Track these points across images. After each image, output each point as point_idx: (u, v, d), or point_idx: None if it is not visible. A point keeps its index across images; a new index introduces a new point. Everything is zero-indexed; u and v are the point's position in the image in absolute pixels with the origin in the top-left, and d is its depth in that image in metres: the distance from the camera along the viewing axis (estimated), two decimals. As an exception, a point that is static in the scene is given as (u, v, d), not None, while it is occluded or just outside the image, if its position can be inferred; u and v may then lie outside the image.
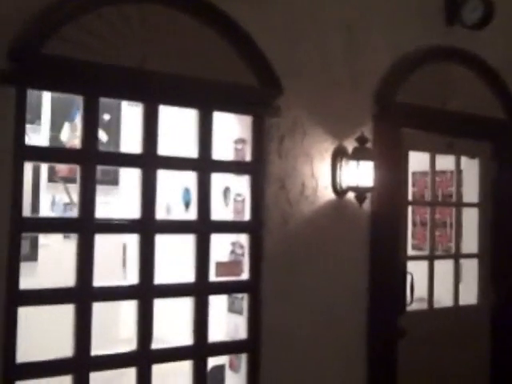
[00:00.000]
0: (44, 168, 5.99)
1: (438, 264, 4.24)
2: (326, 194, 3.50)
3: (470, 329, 4.18)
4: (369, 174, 3.44)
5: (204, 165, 3.08)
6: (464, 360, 4.11)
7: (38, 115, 5.77)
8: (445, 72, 4.01)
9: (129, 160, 3.02)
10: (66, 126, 5.89)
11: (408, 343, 3.79)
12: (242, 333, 3.24)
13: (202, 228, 3.07)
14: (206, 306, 3.07)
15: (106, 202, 6.18)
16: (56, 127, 5.88)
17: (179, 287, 3.04)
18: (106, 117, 6.36)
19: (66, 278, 2.76)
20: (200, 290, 3.06)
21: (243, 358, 3.24)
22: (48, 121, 5.89)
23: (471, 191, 4.43)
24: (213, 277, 3.15)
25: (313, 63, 3.49)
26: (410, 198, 3.91)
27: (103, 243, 2.77)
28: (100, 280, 2.81)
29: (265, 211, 3.26)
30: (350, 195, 3.55)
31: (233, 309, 3.38)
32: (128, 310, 2.99)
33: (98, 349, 2.81)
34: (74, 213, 2.93)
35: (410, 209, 5.21)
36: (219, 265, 3.22)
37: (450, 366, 4.03)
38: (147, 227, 2.90)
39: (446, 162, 4.66)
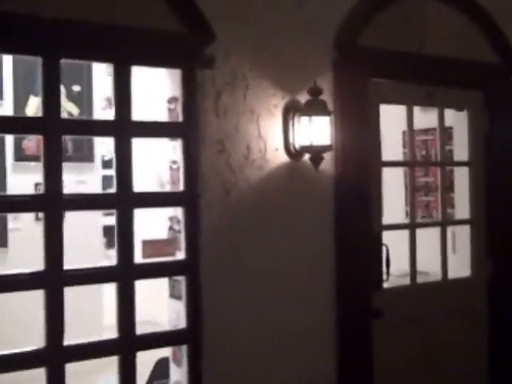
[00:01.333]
0: (9, 147, 5.69)
1: (429, 233, 3.86)
2: (278, 157, 3.11)
3: (463, 305, 3.78)
4: (324, 130, 3.03)
5: (121, 128, 2.71)
6: (457, 342, 3.72)
7: (-1, 90, 5.47)
8: (421, 9, 3.57)
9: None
10: (32, 100, 5.56)
11: (386, 325, 3.41)
12: (182, 321, 2.89)
13: (122, 202, 2.71)
14: (132, 293, 2.72)
15: (81, 180, 5.89)
16: (20, 102, 5.56)
17: (96, 272, 2.69)
18: (76, 88, 6.01)
19: (39, 263, 2.56)
20: (122, 275, 2.70)
21: (184, 350, 2.89)
22: (11, 95, 5.58)
23: (464, 149, 4.00)
24: (140, 258, 2.80)
25: (257, 5, 3.08)
26: (384, 158, 3.50)
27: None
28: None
29: (201, 180, 2.89)
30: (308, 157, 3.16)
31: (174, 294, 3.02)
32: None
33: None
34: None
35: (402, 171, 4.86)
36: (146, 244, 2.86)
37: (439, 350, 3.64)
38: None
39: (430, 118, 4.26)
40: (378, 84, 3.42)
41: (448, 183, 4.10)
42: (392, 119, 4.73)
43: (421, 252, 3.73)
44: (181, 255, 2.87)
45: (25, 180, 5.37)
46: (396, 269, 4.47)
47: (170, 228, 3.05)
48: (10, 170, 5.67)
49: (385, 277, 3.43)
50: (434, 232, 3.88)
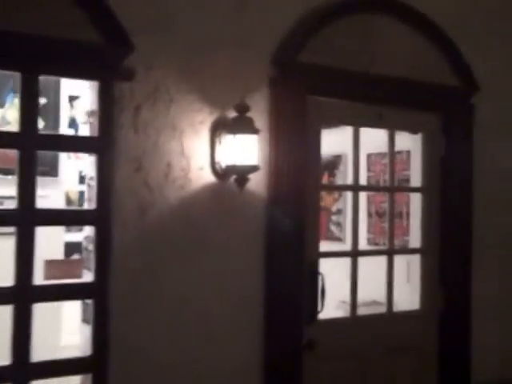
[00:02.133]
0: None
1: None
2: (203, 177, 2.98)
3: (411, 340, 3.62)
4: (250, 150, 2.90)
5: (26, 141, 2.59)
6: (402, 380, 3.56)
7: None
8: (372, 26, 3.44)
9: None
10: (-3, 111, 5.47)
11: (320, 358, 3.26)
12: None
13: (23, 219, 2.59)
14: (29, 317, 2.59)
15: (44, 195, 5.78)
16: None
17: (-10, 293, 2.57)
18: (42, 100, 5.92)
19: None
20: (20, 296, 2.58)
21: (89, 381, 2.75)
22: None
23: (419, 173, 3.86)
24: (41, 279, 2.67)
25: (185, 16, 2.96)
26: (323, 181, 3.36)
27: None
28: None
29: (115, 198, 2.76)
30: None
31: (85, 318, 2.89)
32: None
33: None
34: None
35: (364, 197, 4.72)
36: (49, 264, 2.74)
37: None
38: None
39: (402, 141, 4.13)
40: (319, 103, 3.29)
41: (405, 210, 3.96)
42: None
43: (379, 281, 3.60)
44: (89, 277, 2.75)
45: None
46: (359, 298, 4.34)
47: (85, 248, 2.92)
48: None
49: (319, 307, 3.28)
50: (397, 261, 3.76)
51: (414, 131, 3.74)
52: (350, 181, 4.87)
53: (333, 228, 4.97)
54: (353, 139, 3.46)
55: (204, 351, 2.97)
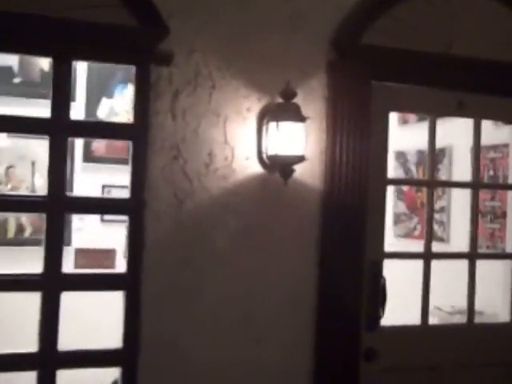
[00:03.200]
0: (79, 146, 5.78)
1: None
2: (248, 167, 2.82)
3: (494, 354, 3.25)
4: (295, 139, 2.71)
5: (57, 126, 2.58)
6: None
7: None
8: (449, 2, 3.11)
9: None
10: (105, 103, 5.63)
11: (382, 369, 3.00)
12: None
13: (53, 207, 2.57)
14: (56, 305, 2.58)
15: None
16: (91, 104, 5.63)
17: (19, 280, 2.58)
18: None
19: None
20: (47, 284, 2.57)
21: (118, 373, 2.70)
22: (83, 97, 5.66)
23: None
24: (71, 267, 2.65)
25: (231, -1, 2.83)
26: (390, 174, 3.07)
27: None
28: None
29: (150, 187, 2.69)
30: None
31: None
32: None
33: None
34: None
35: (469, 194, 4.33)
36: (80, 253, 2.71)
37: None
38: None
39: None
40: (387, 89, 3.02)
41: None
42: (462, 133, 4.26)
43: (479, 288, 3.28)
44: (121, 268, 2.70)
45: (92, 181, 5.42)
46: (447, 305, 4.00)
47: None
48: (79, 171, 5.76)
49: (381, 313, 3.01)
50: (500, 265, 3.43)
51: (507, 120, 3.35)
52: (455, 176, 4.55)
53: (435, 227, 4.61)
54: (429, 130, 3.15)
55: (244, 355, 2.82)
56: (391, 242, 5.03)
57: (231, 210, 2.80)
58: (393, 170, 5.09)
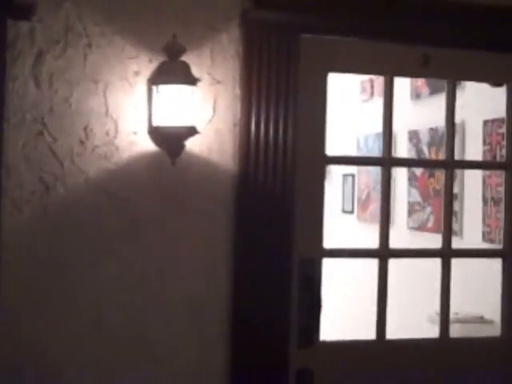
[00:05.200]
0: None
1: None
2: (136, 144, 2.29)
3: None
4: (182, 106, 2.16)
5: None
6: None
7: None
8: None
9: None
10: None
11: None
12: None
13: None
14: None
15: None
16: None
17: None
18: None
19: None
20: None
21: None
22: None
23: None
24: None
25: None
26: (328, 151, 2.45)
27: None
28: None
29: (7, 171, 2.21)
30: (192, 145, 2.31)
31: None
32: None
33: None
34: None
35: (479, 178, 3.64)
36: None
37: None
38: None
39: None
40: (322, 44, 2.42)
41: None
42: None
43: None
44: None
45: None
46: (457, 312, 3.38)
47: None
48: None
49: (317, 324, 2.42)
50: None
51: (493, 81, 2.67)
52: (468, 157, 3.87)
53: (448, 219, 3.92)
54: (385, 88, 2.51)
55: (137, 380, 2.31)
56: (404, 236, 4.38)
57: (114, 197, 2.28)
58: (407, 152, 4.43)
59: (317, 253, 2.43)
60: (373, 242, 2.54)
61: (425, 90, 4.21)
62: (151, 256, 2.31)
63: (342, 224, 5.47)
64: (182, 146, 2.21)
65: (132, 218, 2.30)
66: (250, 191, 2.35)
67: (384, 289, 2.50)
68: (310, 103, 2.41)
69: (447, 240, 2.59)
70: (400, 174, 4.45)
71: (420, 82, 4.27)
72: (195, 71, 2.28)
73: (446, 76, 2.56)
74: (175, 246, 2.32)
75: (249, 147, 2.34)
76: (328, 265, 2.52)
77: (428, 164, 3.88)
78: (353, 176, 5.28)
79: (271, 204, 2.36)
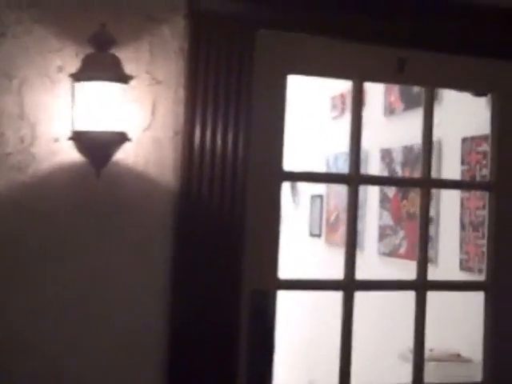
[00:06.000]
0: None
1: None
2: (58, 152, 1.93)
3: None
4: (109, 108, 1.80)
5: None
6: None
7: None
8: None
9: None
10: None
11: None
12: None
13: None
14: None
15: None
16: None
17: None
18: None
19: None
20: None
21: None
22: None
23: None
24: None
25: None
26: (287, 167, 2.11)
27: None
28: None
29: None
30: (125, 155, 1.95)
31: None
32: None
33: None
34: None
35: (457, 200, 3.32)
36: None
37: None
38: None
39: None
40: (283, 41, 2.09)
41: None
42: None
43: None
44: None
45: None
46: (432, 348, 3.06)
47: None
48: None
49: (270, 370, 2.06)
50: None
51: (475, 90, 2.36)
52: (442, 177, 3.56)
53: (422, 244, 3.60)
54: (353, 99, 2.18)
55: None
56: (374, 262, 4.06)
57: (29, 215, 1.92)
58: (379, 173, 4.11)
59: (271, 284, 2.08)
60: (340, 265, 2.22)
61: (399, 106, 3.90)
62: (71, 289, 1.94)
63: (309, 248, 5.13)
64: (109, 156, 1.85)
65: (50, 242, 1.93)
66: (193, 211, 1.99)
67: (348, 326, 2.16)
68: (265, 109, 2.07)
69: (422, 270, 2.26)
70: (371, 195, 4.13)
71: (394, 96, 3.97)
72: (131, 68, 1.94)
73: (423, 83, 2.24)
74: (100, 276, 1.96)
75: (192, 159, 1.99)
76: (285, 297, 2.17)
77: (402, 183, 3.54)
78: (321, 197, 4.94)
79: (218, 226, 2.01)
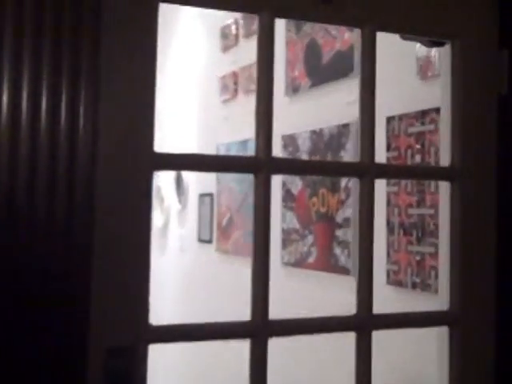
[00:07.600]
0: None
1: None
2: None
3: None
4: None
5: None
6: None
7: None
8: None
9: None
10: None
11: None
12: None
13: None
14: None
15: None
16: None
17: None
18: None
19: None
20: None
21: None
22: None
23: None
24: None
25: None
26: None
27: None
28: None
29: None
30: None
31: None
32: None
33: None
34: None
35: (382, 195, 2.66)
36: None
37: None
38: None
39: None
40: None
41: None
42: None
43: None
44: None
45: None
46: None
47: None
48: None
49: None
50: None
51: (429, 37, 1.67)
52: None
53: (337, 251, 2.93)
54: (258, 54, 1.44)
55: None
56: (276, 274, 3.34)
57: None
58: (280, 165, 3.39)
59: (137, 336, 1.30)
60: (235, 279, 1.47)
61: (305, 82, 3.20)
62: None
63: (198, 256, 4.37)
64: None
65: None
66: (3, 222, 1.19)
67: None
68: (123, 56, 1.29)
69: (366, 302, 1.54)
70: (272, 192, 3.41)
71: (297, 70, 3.27)
72: None
73: (358, 21, 1.52)
74: None
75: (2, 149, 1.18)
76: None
77: (326, 170, 2.80)
78: (211, 196, 4.19)
79: (46, 247, 1.21)
